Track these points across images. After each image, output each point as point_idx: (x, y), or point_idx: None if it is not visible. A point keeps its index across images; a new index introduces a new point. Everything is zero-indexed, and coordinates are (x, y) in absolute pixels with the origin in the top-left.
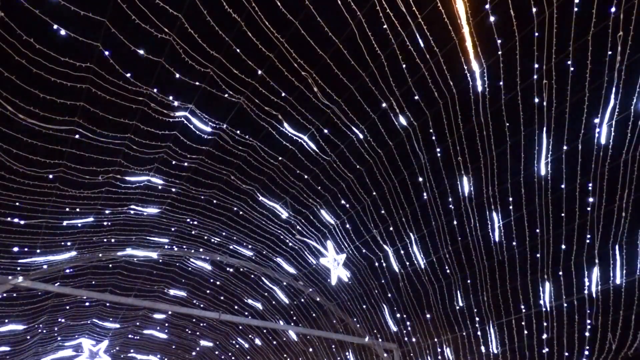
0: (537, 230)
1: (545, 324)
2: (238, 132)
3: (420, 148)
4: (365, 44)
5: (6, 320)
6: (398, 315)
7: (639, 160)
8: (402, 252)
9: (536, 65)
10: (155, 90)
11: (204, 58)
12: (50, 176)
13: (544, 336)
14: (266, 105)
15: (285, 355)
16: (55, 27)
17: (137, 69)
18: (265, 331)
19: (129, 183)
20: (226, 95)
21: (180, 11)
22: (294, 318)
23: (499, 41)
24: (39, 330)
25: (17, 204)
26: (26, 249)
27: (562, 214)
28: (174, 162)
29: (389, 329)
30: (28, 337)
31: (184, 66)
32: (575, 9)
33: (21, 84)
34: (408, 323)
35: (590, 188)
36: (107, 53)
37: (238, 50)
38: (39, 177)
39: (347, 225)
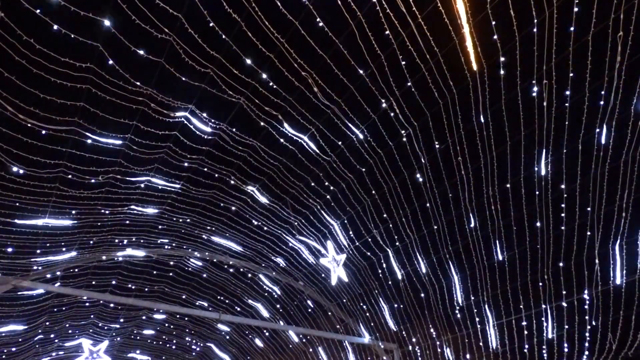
0: (537, 231)
1: (546, 324)
2: (238, 132)
3: (420, 148)
4: (365, 44)
5: (6, 321)
6: (398, 315)
7: (639, 160)
8: (402, 252)
9: (536, 65)
10: (155, 90)
11: (204, 58)
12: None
13: (544, 336)
14: (266, 105)
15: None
16: (55, 27)
17: (137, 69)
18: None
19: (129, 183)
20: (226, 96)
21: (180, 11)
22: (294, 318)
23: (499, 41)
24: (39, 331)
25: (17, 204)
26: (26, 249)
27: (562, 214)
28: (174, 163)
29: (389, 329)
30: (28, 338)
31: (184, 66)
32: (575, 9)
33: (21, 84)
34: (408, 323)
35: (589, 187)
36: (107, 53)
37: (238, 50)
38: (39, 177)
39: (347, 226)
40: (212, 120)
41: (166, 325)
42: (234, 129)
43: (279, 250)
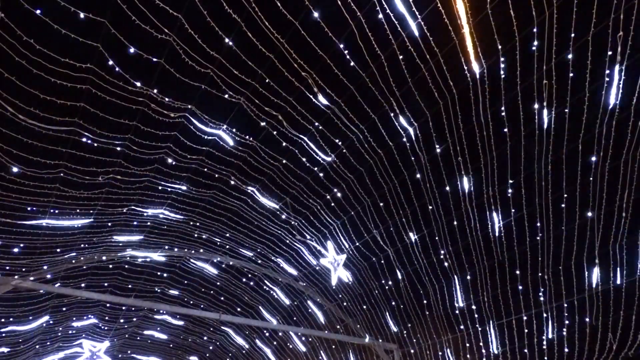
0: (537, 230)
1: (545, 324)
2: (238, 132)
3: (420, 148)
4: (365, 44)
5: (6, 321)
6: (398, 315)
7: (639, 160)
8: (402, 252)
9: (536, 65)
10: (155, 90)
11: (204, 58)
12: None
13: (544, 337)
14: (266, 106)
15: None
16: (55, 27)
17: (137, 69)
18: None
19: (130, 183)
20: (226, 96)
21: (180, 11)
22: (294, 318)
23: (499, 41)
24: (40, 331)
25: (17, 204)
26: (26, 250)
27: (562, 214)
28: (174, 163)
29: (389, 329)
30: (28, 338)
31: (184, 66)
32: (575, 9)
33: (21, 84)
34: (408, 323)
35: (590, 188)
36: (107, 53)
37: (238, 50)
38: (39, 178)
39: (347, 226)
40: (212, 121)
41: (166, 325)
42: (234, 129)
43: (279, 251)
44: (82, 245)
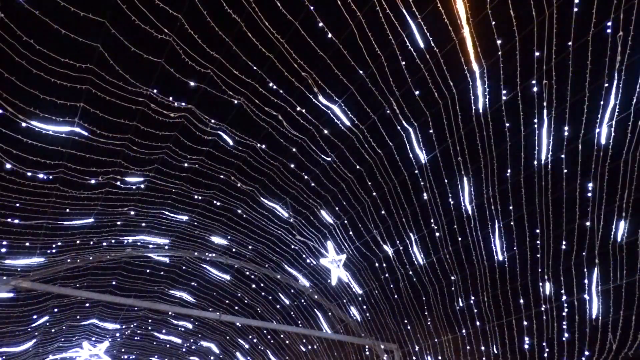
0: (537, 231)
1: (545, 324)
2: (238, 132)
3: (421, 148)
4: (365, 44)
5: (7, 321)
6: (398, 315)
7: (639, 160)
8: (402, 252)
9: (536, 65)
10: (155, 90)
11: (204, 58)
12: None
13: (544, 337)
14: (266, 106)
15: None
16: (55, 27)
17: (137, 69)
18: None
19: (130, 184)
20: (226, 96)
21: (180, 11)
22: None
23: (499, 41)
24: (40, 332)
25: (17, 204)
26: (26, 250)
27: (562, 214)
28: (174, 163)
29: (389, 329)
30: (29, 339)
31: (184, 66)
32: (575, 9)
33: (21, 84)
34: (408, 324)
35: (590, 188)
36: (107, 53)
37: (238, 50)
38: (39, 178)
39: (347, 226)
40: (212, 120)
41: (167, 325)
42: (234, 129)
43: (279, 251)
44: (82, 246)
